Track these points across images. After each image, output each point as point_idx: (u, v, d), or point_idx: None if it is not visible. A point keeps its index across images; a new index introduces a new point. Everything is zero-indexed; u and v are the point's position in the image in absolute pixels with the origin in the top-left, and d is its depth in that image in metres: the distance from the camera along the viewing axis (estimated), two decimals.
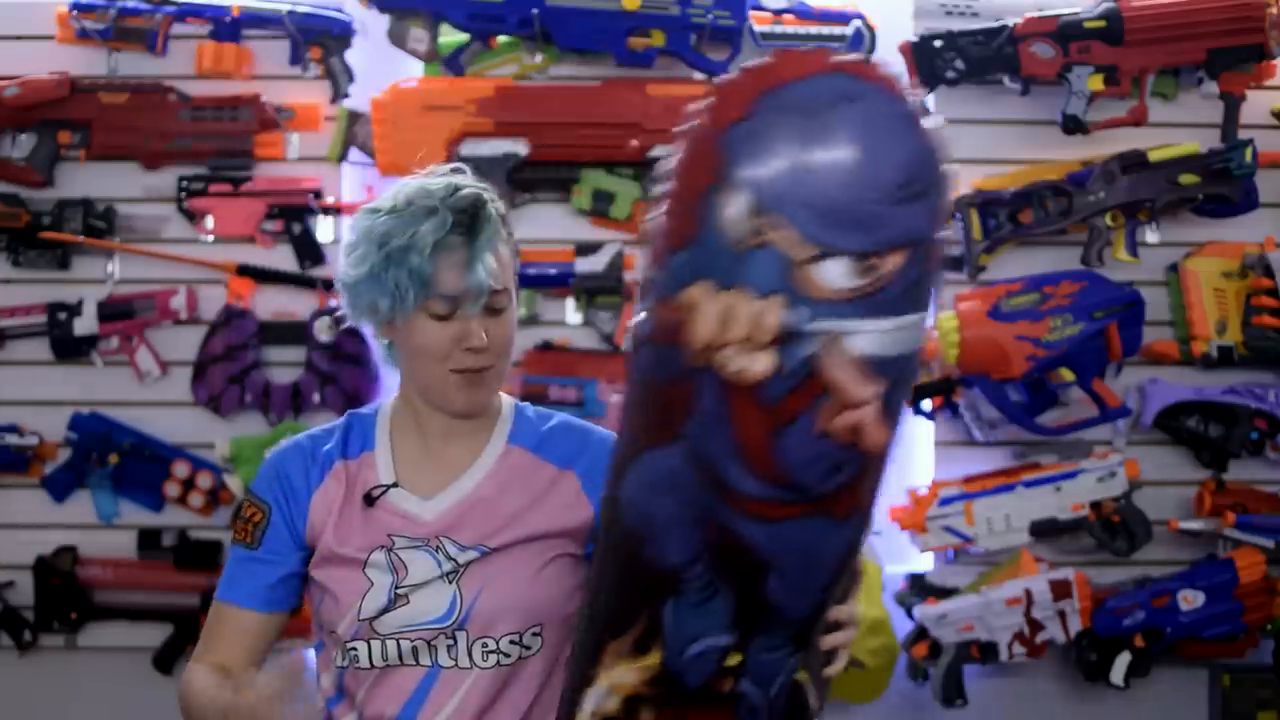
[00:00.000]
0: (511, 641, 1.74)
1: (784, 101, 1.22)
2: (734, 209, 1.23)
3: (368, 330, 1.81)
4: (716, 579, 1.36)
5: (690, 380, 1.28)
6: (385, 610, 1.73)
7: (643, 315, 1.34)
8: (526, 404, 1.87)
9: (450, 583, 1.72)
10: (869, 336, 1.26)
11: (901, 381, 1.32)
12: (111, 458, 3.34)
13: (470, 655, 1.73)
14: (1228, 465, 3.40)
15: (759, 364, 1.26)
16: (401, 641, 1.73)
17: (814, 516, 1.33)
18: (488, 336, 1.72)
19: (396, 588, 1.73)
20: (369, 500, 1.76)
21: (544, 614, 1.75)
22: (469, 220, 1.71)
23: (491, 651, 1.73)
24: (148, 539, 3.37)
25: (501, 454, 1.80)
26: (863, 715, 3.41)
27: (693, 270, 1.26)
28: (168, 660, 3.36)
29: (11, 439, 3.34)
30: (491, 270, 1.71)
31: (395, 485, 1.77)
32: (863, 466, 1.33)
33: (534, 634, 1.75)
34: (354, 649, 1.74)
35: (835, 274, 1.23)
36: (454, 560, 1.73)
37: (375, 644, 1.73)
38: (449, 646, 1.73)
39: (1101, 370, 3.34)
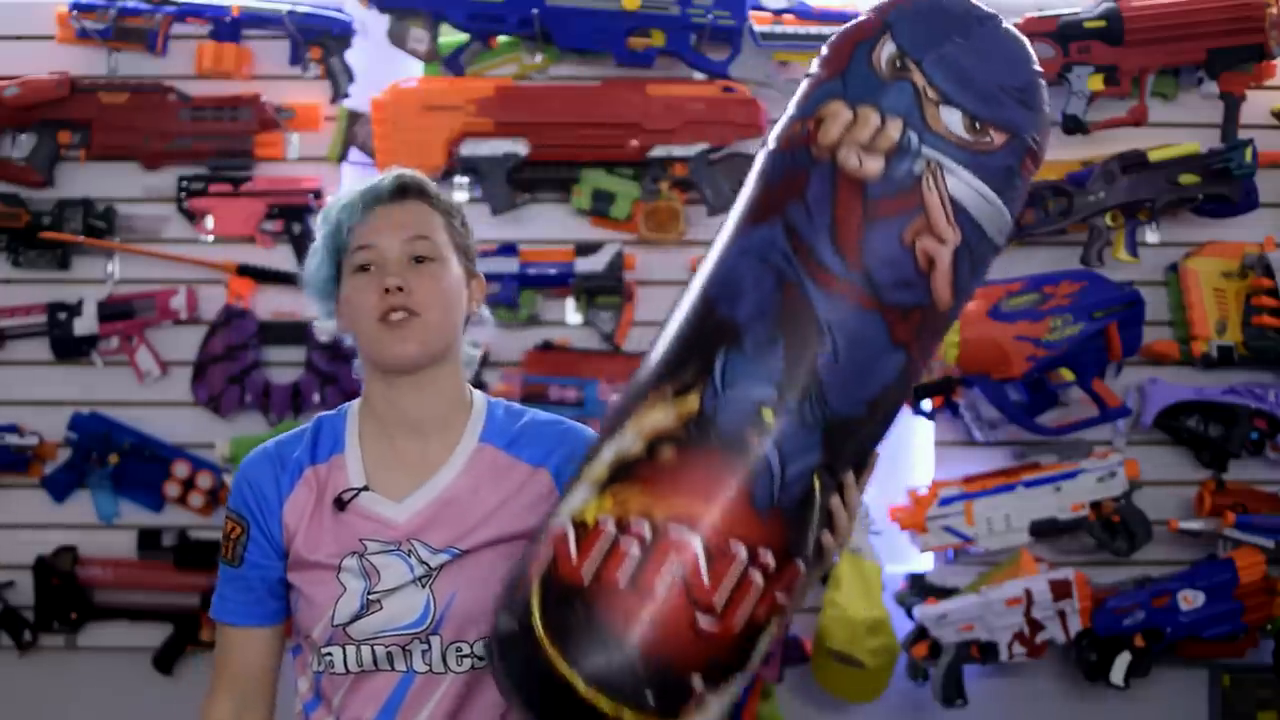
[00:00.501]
0: (486, 645, 1.73)
1: (943, 3, 1.62)
2: (884, 52, 1.58)
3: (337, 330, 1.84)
4: (776, 334, 1.52)
5: (805, 171, 1.57)
6: (359, 616, 1.72)
7: (776, 132, 1.64)
8: (499, 401, 1.85)
9: (423, 587, 1.72)
10: (964, 183, 1.56)
11: (974, 259, 1.58)
12: (111, 458, 3.34)
13: (445, 660, 1.73)
14: (1228, 465, 3.40)
15: (872, 163, 1.54)
16: (376, 647, 1.72)
17: (875, 315, 1.54)
18: (412, 286, 1.73)
19: (369, 593, 1.72)
20: (340, 505, 1.75)
21: None
22: (389, 186, 1.78)
23: (465, 655, 1.73)
24: (148, 539, 3.37)
25: (473, 452, 1.78)
26: (863, 715, 3.41)
27: (834, 92, 1.59)
28: (168, 660, 3.36)
29: (11, 439, 3.34)
30: (408, 219, 1.75)
31: (366, 489, 1.76)
32: (926, 309, 1.56)
33: None
34: (329, 654, 1.74)
35: (953, 120, 1.56)
36: (426, 564, 1.72)
37: (350, 649, 1.73)
38: (424, 651, 1.73)
39: (1101, 370, 3.34)
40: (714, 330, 1.55)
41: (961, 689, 3.31)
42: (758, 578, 1.50)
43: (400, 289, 1.72)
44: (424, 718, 1.73)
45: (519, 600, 1.52)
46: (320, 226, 1.79)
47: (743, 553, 1.49)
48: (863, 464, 1.62)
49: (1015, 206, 1.62)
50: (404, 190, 1.78)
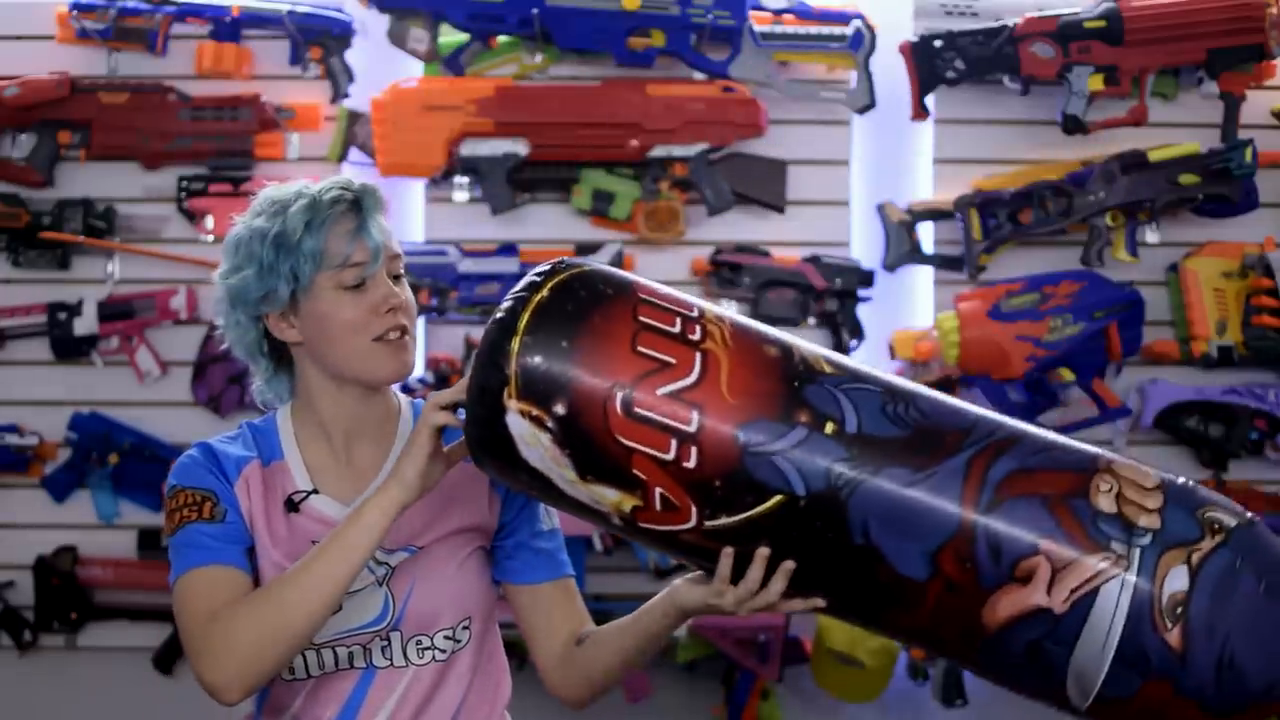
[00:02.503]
0: (446, 637, 1.74)
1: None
2: (1219, 516, 1.52)
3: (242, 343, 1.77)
4: (904, 422, 1.53)
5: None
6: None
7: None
8: (418, 400, 1.85)
9: (380, 585, 1.72)
10: (1117, 603, 1.47)
11: (1039, 650, 1.54)
12: (111, 458, 3.35)
13: (405, 654, 1.73)
14: (1228, 465, 3.40)
15: (1106, 497, 1.51)
16: (337, 649, 1.71)
17: (955, 512, 1.50)
18: (400, 304, 1.72)
19: None
20: (291, 506, 1.73)
21: (472, 606, 1.76)
22: (349, 194, 1.72)
23: (427, 649, 1.73)
24: (148, 539, 3.37)
25: None
26: (863, 715, 3.41)
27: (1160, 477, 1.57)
28: (168, 660, 3.36)
29: (11, 439, 3.34)
30: (384, 232, 1.72)
31: (315, 492, 1.74)
32: (979, 591, 1.51)
33: (464, 627, 1.75)
34: None
35: (1175, 581, 1.47)
36: (385, 564, 1.72)
37: (310, 654, 1.71)
38: (383, 647, 1.72)
39: (1101, 370, 3.34)
40: (904, 383, 1.59)
41: (961, 689, 3.31)
42: (670, 449, 1.50)
43: (400, 308, 1.72)
44: (388, 712, 1.73)
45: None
46: (256, 241, 1.71)
47: (692, 424, 1.50)
48: (802, 588, 1.56)
49: (1107, 696, 1.51)
50: (374, 202, 1.73)
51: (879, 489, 1.49)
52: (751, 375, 1.52)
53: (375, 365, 1.72)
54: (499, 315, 1.55)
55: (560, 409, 1.50)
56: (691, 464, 1.50)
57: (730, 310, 1.64)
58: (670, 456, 1.50)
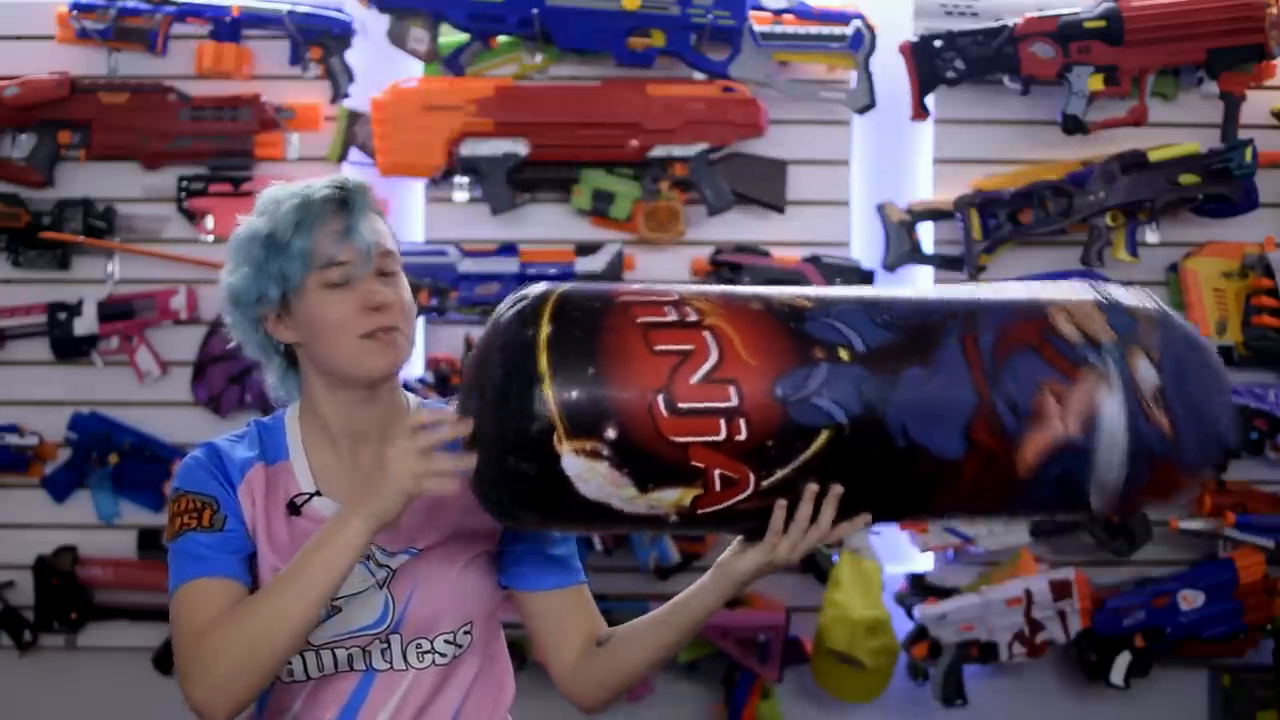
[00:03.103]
0: (446, 641, 1.74)
1: (1205, 348, 1.74)
2: (1140, 302, 1.70)
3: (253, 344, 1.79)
4: (894, 326, 1.61)
5: (1020, 299, 1.70)
6: (319, 622, 1.68)
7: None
8: (428, 400, 1.85)
9: (381, 588, 1.71)
10: (1114, 413, 1.62)
11: (1064, 476, 1.62)
12: (111, 458, 3.35)
13: (405, 657, 1.73)
14: (1227, 465, 3.40)
15: (1068, 328, 1.65)
16: (337, 650, 1.71)
17: (972, 395, 1.59)
18: (388, 301, 1.71)
19: (331, 600, 1.68)
20: (293, 509, 1.73)
21: (474, 610, 1.75)
22: (339, 194, 1.71)
23: (427, 652, 1.73)
24: (148, 539, 3.37)
25: None
26: (863, 715, 3.41)
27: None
28: (168, 660, 3.35)
29: (11, 439, 3.34)
30: (375, 231, 1.71)
31: (318, 494, 1.74)
32: (1006, 448, 1.60)
33: (465, 632, 1.75)
34: (288, 664, 1.71)
35: (1146, 374, 1.64)
36: (386, 566, 1.71)
37: (310, 656, 1.71)
38: (383, 650, 1.72)
39: None
40: (866, 292, 1.68)
41: (961, 689, 3.31)
42: (721, 430, 1.54)
43: (385, 306, 1.71)
44: (387, 714, 1.72)
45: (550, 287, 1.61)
46: (251, 242, 1.71)
47: (732, 399, 1.54)
48: (848, 510, 1.60)
49: (1126, 491, 1.65)
50: (364, 202, 1.73)
51: (906, 392, 1.58)
52: (758, 334, 1.57)
53: (364, 361, 1.71)
54: (508, 369, 1.53)
55: (611, 433, 1.52)
56: (743, 435, 1.54)
57: (695, 285, 1.68)
58: (722, 436, 1.54)
